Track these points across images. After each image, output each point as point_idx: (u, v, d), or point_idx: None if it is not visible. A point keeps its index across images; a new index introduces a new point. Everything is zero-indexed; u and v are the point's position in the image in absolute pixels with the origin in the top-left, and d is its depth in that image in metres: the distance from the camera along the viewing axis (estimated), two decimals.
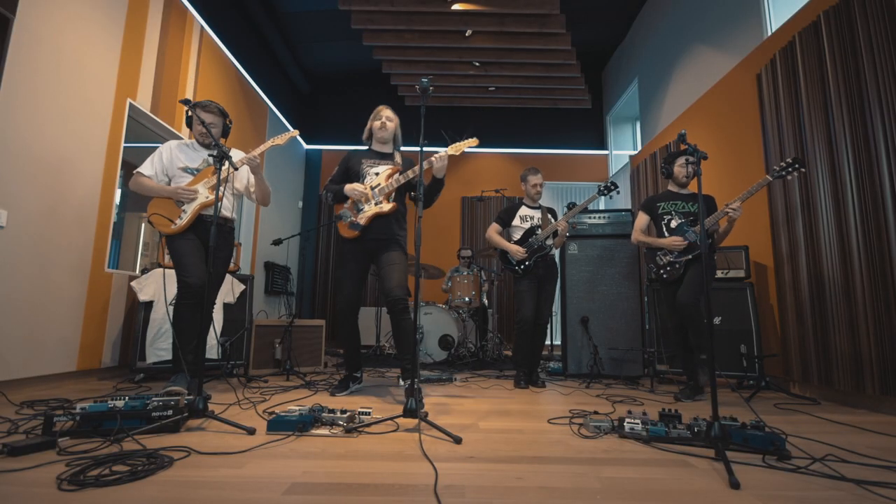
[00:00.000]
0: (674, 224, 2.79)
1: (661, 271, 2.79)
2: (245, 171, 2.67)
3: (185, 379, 2.35)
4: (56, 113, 2.75)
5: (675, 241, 2.71)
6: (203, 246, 2.48)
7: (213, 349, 3.21)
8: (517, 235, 3.22)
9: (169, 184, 2.51)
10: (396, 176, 2.57)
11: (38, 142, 2.64)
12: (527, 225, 3.22)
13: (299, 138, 6.97)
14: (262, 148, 2.48)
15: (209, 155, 2.27)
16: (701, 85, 4.35)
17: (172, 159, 2.53)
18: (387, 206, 2.56)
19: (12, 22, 2.46)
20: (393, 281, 2.51)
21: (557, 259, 3.38)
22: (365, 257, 2.66)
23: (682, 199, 2.83)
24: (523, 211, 3.29)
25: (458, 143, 2.49)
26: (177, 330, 2.36)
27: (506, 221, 3.31)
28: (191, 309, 2.36)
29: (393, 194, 2.63)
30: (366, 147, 2.80)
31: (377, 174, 2.63)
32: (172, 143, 2.60)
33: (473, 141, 2.52)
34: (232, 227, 2.65)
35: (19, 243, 2.53)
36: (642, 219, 2.94)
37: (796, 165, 2.42)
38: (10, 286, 2.48)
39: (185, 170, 2.52)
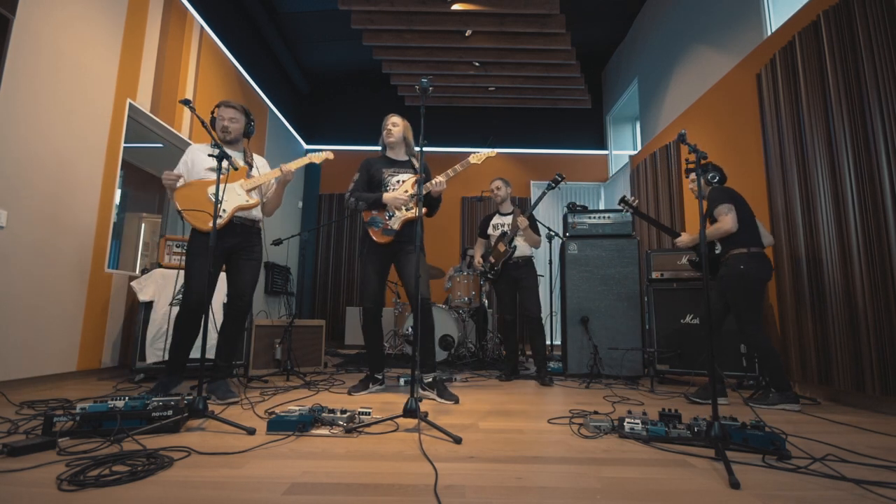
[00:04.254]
0: None
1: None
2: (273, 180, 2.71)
3: (224, 386, 2.38)
4: (56, 113, 2.75)
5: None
6: (223, 254, 2.48)
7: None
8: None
9: None
10: (426, 185, 2.66)
11: (37, 142, 2.64)
12: (497, 233, 3.46)
13: (299, 138, 6.96)
14: (298, 163, 2.60)
15: (214, 154, 2.14)
16: (701, 85, 4.35)
17: (196, 161, 2.52)
18: (416, 212, 2.64)
19: (12, 22, 2.46)
20: (422, 284, 2.58)
21: (557, 259, 3.42)
22: (389, 259, 2.76)
23: None
24: (496, 220, 3.50)
25: (478, 153, 2.69)
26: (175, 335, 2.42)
27: (483, 233, 3.57)
28: (187, 322, 2.40)
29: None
30: (380, 155, 2.88)
31: (401, 181, 2.73)
32: (195, 146, 2.60)
33: (492, 152, 2.72)
34: (259, 229, 2.68)
35: (19, 243, 2.53)
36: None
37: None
38: (10, 286, 2.48)
39: (212, 170, 2.46)
